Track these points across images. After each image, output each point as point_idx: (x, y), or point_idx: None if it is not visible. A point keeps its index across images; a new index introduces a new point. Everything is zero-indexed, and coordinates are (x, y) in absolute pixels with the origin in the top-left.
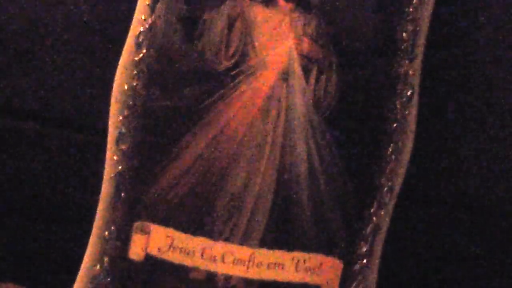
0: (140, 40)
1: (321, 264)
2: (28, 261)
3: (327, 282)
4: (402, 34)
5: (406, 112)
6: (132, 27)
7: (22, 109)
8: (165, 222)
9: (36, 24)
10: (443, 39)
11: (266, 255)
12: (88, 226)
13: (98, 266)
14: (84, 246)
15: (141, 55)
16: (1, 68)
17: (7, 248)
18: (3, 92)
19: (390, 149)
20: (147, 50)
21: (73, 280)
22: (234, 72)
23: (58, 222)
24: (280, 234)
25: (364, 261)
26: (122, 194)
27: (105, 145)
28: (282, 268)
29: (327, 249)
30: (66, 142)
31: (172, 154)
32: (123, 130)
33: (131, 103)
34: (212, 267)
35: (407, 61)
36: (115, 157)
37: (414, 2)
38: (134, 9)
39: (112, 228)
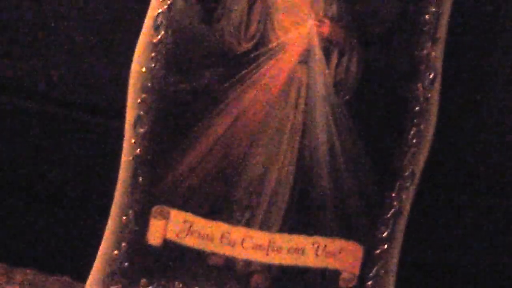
0: (159, 21)
1: (341, 249)
2: (46, 246)
3: (348, 267)
4: (425, 16)
5: (429, 95)
6: (150, 8)
7: (41, 92)
8: (183, 206)
9: (54, 6)
10: (466, 21)
11: (286, 240)
12: (106, 210)
13: (116, 251)
14: (102, 231)
15: (159, 36)
16: (19, 51)
17: (25, 233)
18: (22, 75)
19: (412, 133)
20: (166, 32)
21: (91, 265)
22: (254, 54)
23: (76, 206)
24: (300, 218)
25: (385, 245)
26: (140, 178)
27: (123, 129)
28: (302, 253)
29: (348, 233)
30: (84, 126)
31: (191, 137)
32: (141, 113)
33: (149, 85)
34: (231, 252)
35: (429, 43)
36: (132, 141)
37: None
38: None
39: (130, 212)
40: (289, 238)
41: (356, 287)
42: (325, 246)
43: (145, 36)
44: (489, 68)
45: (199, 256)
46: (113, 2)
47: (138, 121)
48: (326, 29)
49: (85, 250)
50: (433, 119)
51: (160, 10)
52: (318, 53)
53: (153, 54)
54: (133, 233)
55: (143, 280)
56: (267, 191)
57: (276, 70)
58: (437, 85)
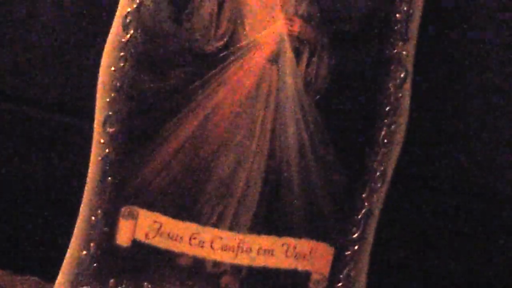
0: (128, 20)
1: (311, 250)
2: (14, 247)
3: (318, 268)
4: (396, 15)
5: (400, 95)
6: (119, 7)
7: (10, 92)
8: (152, 207)
9: (22, 6)
10: (437, 20)
11: (256, 241)
12: (75, 210)
13: (84, 252)
14: (71, 231)
15: (128, 36)
16: None
17: None
18: None
19: (383, 133)
20: (135, 31)
21: (59, 265)
22: (224, 53)
23: (44, 206)
24: (270, 219)
25: (356, 246)
26: (109, 178)
27: (92, 128)
28: (272, 254)
29: (318, 234)
30: (52, 126)
31: (160, 137)
32: (110, 113)
33: (118, 85)
34: (201, 253)
35: (400, 43)
36: (102, 140)
37: None
38: None
39: (99, 213)
40: (259, 239)
41: None
42: (295, 247)
43: (114, 35)
44: (461, 68)
45: (168, 256)
46: (82, 0)
47: (107, 120)
48: (296, 28)
49: (54, 251)
50: (404, 119)
51: (129, 9)
52: (288, 53)
53: (122, 54)
54: (102, 233)
55: (112, 281)
56: (237, 191)
57: (246, 70)
58: (408, 85)
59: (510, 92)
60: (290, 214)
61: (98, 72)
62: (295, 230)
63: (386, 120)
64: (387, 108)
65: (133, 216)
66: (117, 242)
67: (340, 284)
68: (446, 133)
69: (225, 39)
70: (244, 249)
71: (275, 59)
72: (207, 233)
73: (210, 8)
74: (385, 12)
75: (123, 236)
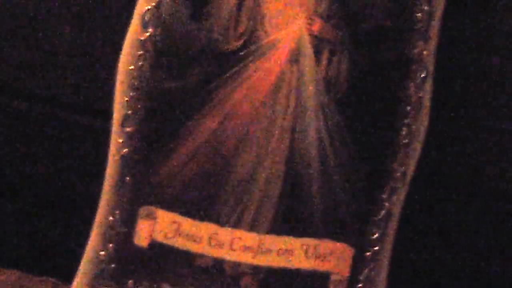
0: (146, 18)
1: (331, 251)
2: (32, 247)
3: (338, 269)
4: (417, 14)
5: (420, 95)
6: (138, 5)
7: (28, 92)
8: (171, 207)
9: (40, 4)
10: (459, 20)
11: (275, 241)
12: (93, 211)
13: (102, 252)
14: (88, 232)
15: (147, 34)
16: (5, 49)
17: (10, 234)
18: (8, 74)
19: (403, 133)
20: (154, 29)
21: (77, 266)
22: (243, 52)
23: (62, 207)
24: (290, 220)
25: (376, 247)
26: (127, 178)
27: (110, 128)
28: (291, 255)
29: (338, 235)
30: (70, 125)
31: (179, 137)
32: (129, 112)
33: (136, 84)
34: (220, 254)
35: (421, 42)
36: (120, 140)
37: None
38: None
39: (117, 213)
40: (278, 240)
41: None
42: (315, 248)
43: (133, 33)
44: (482, 68)
45: (187, 257)
46: None
47: (125, 120)
48: (316, 27)
49: (71, 251)
50: (424, 119)
51: (148, 7)
52: (308, 52)
53: (140, 52)
54: (120, 234)
55: (130, 282)
56: (256, 191)
57: (266, 69)
58: (428, 85)
59: None
60: (310, 214)
61: (116, 71)
62: (315, 231)
63: (406, 120)
64: (408, 108)
65: (152, 217)
66: (135, 242)
67: (360, 285)
68: (467, 133)
69: (244, 38)
70: (264, 249)
71: (295, 58)
72: (226, 233)
73: (229, 6)
74: (406, 11)
75: (142, 237)
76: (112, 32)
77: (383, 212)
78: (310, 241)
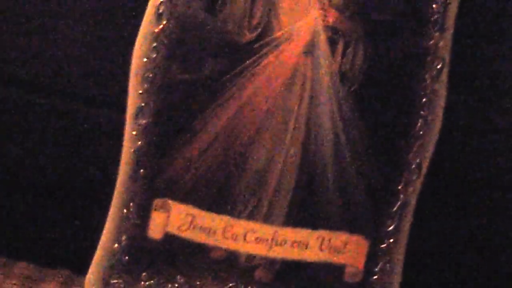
0: (161, 10)
1: (346, 243)
2: (46, 240)
3: (353, 261)
4: (433, 5)
5: (436, 86)
6: None
7: (42, 84)
8: (185, 199)
9: None
10: (475, 11)
11: (290, 233)
12: (107, 203)
13: (116, 245)
14: (103, 224)
15: (161, 26)
16: (19, 42)
17: (24, 226)
18: (22, 66)
19: (419, 125)
20: (168, 21)
21: (91, 259)
22: (258, 44)
23: (77, 199)
24: (304, 212)
25: (391, 239)
26: (141, 171)
27: (124, 120)
28: (306, 247)
29: (353, 227)
30: (84, 118)
31: (193, 129)
32: (142, 105)
33: (150, 76)
34: (234, 246)
35: (437, 33)
36: (134, 132)
37: None
38: None
39: (131, 205)
40: (293, 232)
41: (361, 282)
42: (330, 240)
43: (147, 25)
44: (498, 59)
45: (201, 249)
46: None
47: (139, 112)
48: (331, 19)
49: (85, 243)
50: (440, 110)
51: None
52: (323, 44)
53: (154, 44)
54: (134, 226)
55: (144, 274)
56: (271, 183)
57: (280, 61)
58: (444, 76)
59: None
60: (324, 206)
61: (130, 63)
62: (330, 223)
63: (422, 112)
64: (423, 100)
65: (166, 209)
66: (149, 234)
67: (375, 277)
68: (483, 125)
69: (259, 30)
70: (278, 242)
71: (309, 50)
72: (241, 226)
73: None
74: (422, 2)
75: (156, 229)
76: (126, 24)
77: (398, 203)
78: (325, 233)
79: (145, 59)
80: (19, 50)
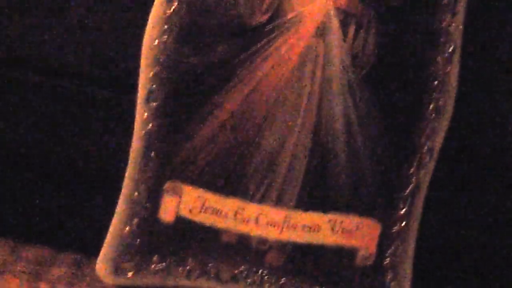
0: None
1: (358, 226)
2: (56, 223)
3: (365, 245)
4: None
5: (448, 69)
6: None
7: (52, 66)
8: (197, 182)
9: None
10: None
11: (301, 217)
12: (118, 186)
13: (127, 228)
14: (113, 207)
15: (172, 8)
16: (28, 24)
17: (33, 209)
18: (32, 48)
19: (431, 108)
20: (179, 3)
21: (102, 242)
22: (269, 27)
23: (87, 181)
24: (316, 195)
25: (403, 223)
26: (152, 154)
27: (135, 103)
28: (318, 230)
29: (365, 210)
30: (95, 100)
31: (204, 112)
32: (154, 87)
33: (161, 59)
34: (245, 229)
35: (449, 16)
36: (145, 115)
37: None
38: None
39: (142, 188)
40: (305, 215)
41: (373, 265)
42: (342, 223)
43: (158, 8)
44: (510, 42)
45: (212, 233)
46: None
47: (150, 95)
48: (343, 1)
49: (96, 227)
50: (452, 93)
51: None
52: (335, 26)
53: (165, 27)
54: (145, 209)
55: (156, 257)
56: (282, 167)
57: (292, 44)
58: (456, 59)
59: None
60: (336, 189)
61: (141, 45)
62: (342, 206)
63: (434, 95)
64: (435, 82)
65: (177, 192)
66: (160, 218)
67: (387, 261)
68: (495, 108)
69: (270, 13)
70: (290, 225)
71: (321, 32)
72: (252, 209)
73: None
74: None
75: (167, 212)
76: (137, 6)
77: (410, 187)
78: (337, 216)
79: (156, 42)
80: (28, 31)
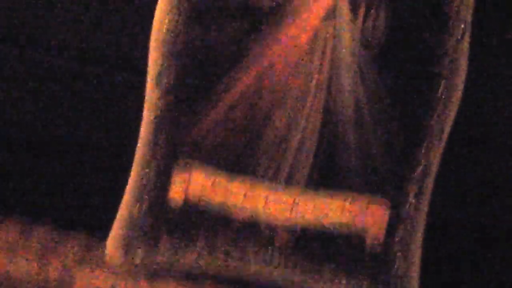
0: None
1: (367, 207)
2: (66, 203)
3: (374, 225)
4: None
5: (458, 50)
6: None
7: (61, 47)
8: (207, 163)
9: None
10: None
11: (311, 197)
12: (128, 167)
13: (137, 207)
14: (123, 188)
15: None
16: (38, 6)
17: (43, 190)
18: (43, 31)
19: (441, 89)
20: None
21: (111, 223)
22: (279, 9)
23: (98, 162)
24: (326, 175)
25: (413, 204)
26: (162, 134)
27: (145, 84)
28: (328, 210)
29: (374, 191)
30: (105, 81)
31: (214, 93)
32: (164, 68)
33: (172, 40)
34: (255, 209)
35: None
36: (155, 96)
37: None
38: None
39: (152, 169)
40: (314, 195)
41: (382, 246)
42: (351, 204)
43: None
44: None
45: (222, 213)
46: None
47: (160, 75)
48: None
49: (106, 207)
50: (462, 74)
51: None
52: (344, 8)
53: (176, 8)
54: (155, 190)
55: (165, 237)
56: (292, 147)
57: (302, 25)
58: (466, 41)
59: None
60: (346, 170)
61: (151, 27)
62: (351, 187)
63: (444, 76)
64: (445, 64)
65: (187, 173)
66: (170, 198)
67: (396, 240)
68: (506, 90)
69: None
70: (300, 205)
71: (331, 14)
72: (262, 189)
73: None
74: None
75: (176, 193)
76: None
77: (420, 168)
78: (346, 197)
79: (166, 23)
80: (40, 14)
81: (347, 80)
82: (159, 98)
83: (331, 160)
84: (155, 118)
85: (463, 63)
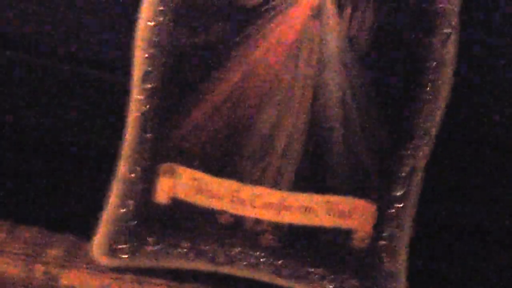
0: None
1: (354, 208)
2: (52, 204)
3: (361, 226)
4: None
5: (445, 50)
6: None
7: (47, 48)
8: (192, 164)
9: None
10: None
11: (297, 198)
12: (113, 168)
13: (123, 209)
14: (108, 189)
15: None
16: (24, 7)
17: (29, 190)
18: (28, 31)
19: (428, 89)
20: None
21: (97, 223)
22: (264, 8)
23: (83, 163)
24: (312, 177)
25: (400, 205)
26: (148, 135)
27: (130, 84)
28: (314, 212)
29: (361, 192)
30: (91, 82)
31: (200, 93)
32: (149, 69)
33: (157, 40)
34: (241, 211)
35: None
36: (140, 97)
37: None
38: None
39: (138, 170)
40: (301, 197)
41: (369, 247)
42: (338, 205)
43: None
44: (508, 24)
45: (208, 214)
46: None
47: (145, 76)
48: None
49: (91, 208)
50: (449, 74)
51: None
52: (331, 7)
53: (161, 8)
54: (141, 191)
55: (151, 239)
56: (278, 149)
57: (288, 25)
58: (453, 40)
59: None
60: (333, 171)
61: (136, 26)
62: (338, 188)
63: (431, 76)
64: (432, 64)
65: (173, 174)
66: (156, 199)
67: (383, 243)
68: (493, 88)
69: None
70: (286, 206)
71: (317, 13)
72: (248, 190)
73: None
74: None
75: (162, 194)
76: None
77: (407, 169)
78: (333, 198)
79: (151, 23)
80: (28, 15)
81: (333, 80)
82: (144, 100)
83: (317, 160)
84: (140, 119)
85: (449, 64)
